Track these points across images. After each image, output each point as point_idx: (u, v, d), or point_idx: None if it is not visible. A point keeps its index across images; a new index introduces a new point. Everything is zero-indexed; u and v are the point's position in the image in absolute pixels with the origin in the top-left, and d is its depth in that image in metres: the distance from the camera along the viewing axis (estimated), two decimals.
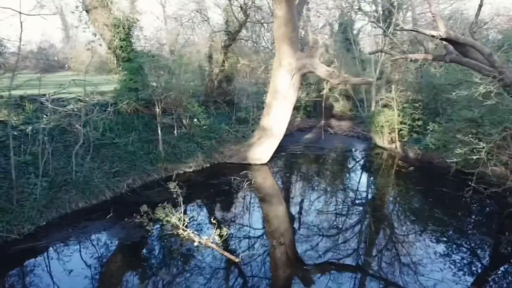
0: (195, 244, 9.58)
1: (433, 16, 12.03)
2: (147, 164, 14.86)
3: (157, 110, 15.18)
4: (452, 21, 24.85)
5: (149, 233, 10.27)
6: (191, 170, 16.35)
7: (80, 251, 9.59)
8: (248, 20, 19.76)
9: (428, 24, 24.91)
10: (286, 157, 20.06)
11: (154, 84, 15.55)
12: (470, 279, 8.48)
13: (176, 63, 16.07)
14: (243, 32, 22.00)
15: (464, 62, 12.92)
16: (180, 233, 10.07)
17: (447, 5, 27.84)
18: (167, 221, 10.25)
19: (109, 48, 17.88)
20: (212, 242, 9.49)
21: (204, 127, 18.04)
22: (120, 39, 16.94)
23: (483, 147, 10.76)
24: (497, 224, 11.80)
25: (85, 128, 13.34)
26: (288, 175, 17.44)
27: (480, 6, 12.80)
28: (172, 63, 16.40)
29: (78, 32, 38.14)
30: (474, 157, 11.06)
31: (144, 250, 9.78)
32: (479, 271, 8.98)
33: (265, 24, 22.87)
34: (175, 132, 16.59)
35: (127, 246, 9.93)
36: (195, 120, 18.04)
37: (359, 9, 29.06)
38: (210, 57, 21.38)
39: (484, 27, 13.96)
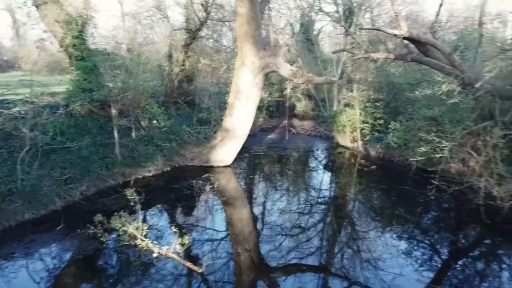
0: (155, 255, 8.98)
1: (395, 15, 12.09)
2: (102, 169, 13.97)
3: (113, 111, 14.33)
4: (410, 22, 25.45)
5: (104, 245, 9.56)
6: (150, 174, 15.61)
7: (27, 267, 8.74)
8: (210, 18, 19.17)
9: (386, 25, 25.39)
10: (250, 158, 19.71)
11: (110, 84, 14.65)
12: (430, 274, 8.57)
13: (134, 62, 15.23)
14: (204, 30, 21.37)
15: (425, 61, 13.08)
16: (138, 243, 9.44)
17: (403, 7, 28.61)
18: (124, 231, 9.57)
19: (61, 46, 16.71)
20: (173, 252, 8.94)
21: (164, 128, 17.32)
22: (72, 36, 15.85)
23: (446, 146, 10.88)
24: (456, 220, 12.03)
25: (33, 132, 12.33)
26: (251, 176, 17.07)
27: (441, 5, 13.00)
28: (129, 62, 15.54)
29: (27, 30, 35.88)
30: (438, 156, 11.16)
31: (98, 264, 9.03)
32: (438, 265, 9.09)
33: (227, 23, 22.32)
34: (133, 134, 15.76)
35: (79, 260, 9.14)
36: (155, 121, 17.28)
37: (320, 9, 29.27)
38: (170, 56, 20.58)
39: (441, 27, 14.23)
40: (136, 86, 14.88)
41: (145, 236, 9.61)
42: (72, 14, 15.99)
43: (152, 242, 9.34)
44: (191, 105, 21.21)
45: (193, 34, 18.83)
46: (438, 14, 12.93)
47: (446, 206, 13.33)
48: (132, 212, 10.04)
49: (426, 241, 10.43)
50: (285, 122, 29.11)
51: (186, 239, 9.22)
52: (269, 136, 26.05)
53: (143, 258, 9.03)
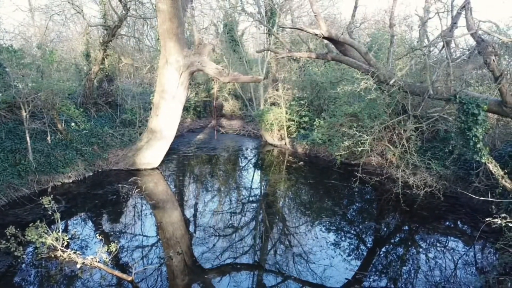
0: (78, 266, 8.31)
1: (315, 15, 12.53)
2: (14, 177, 12.67)
3: (24, 114, 13.03)
4: (328, 24, 26.77)
5: (19, 260, 8.63)
6: (70, 180, 14.50)
7: None
8: (129, 14, 18.28)
9: (307, 26, 26.48)
10: (178, 159, 19.24)
11: (19, 84, 13.30)
12: (357, 262, 9.00)
13: (46, 60, 13.99)
14: (125, 28, 20.38)
15: (344, 60, 13.78)
16: (59, 255, 8.68)
17: (321, 10, 30.02)
18: (42, 242, 8.72)
19: None
20: (98, 262, 8.33)
21: (84, 131, 16.20)
22: None
23: (366, 139, 11.55)
24: (378, 209, 12.84)
25: None
26: (181, 178, 16.65)
27: (355, 7, 13.79)
28: (40, 60, 14.25)
29: None
30: (360, 149, 11.81)
31: (13, 281, 8.11)
32: (364, 253, 9.58)
33: (148, 21, 21.48)
34: (48, 138, 14.48)
35: None
36: (73, 124, 16.10)
37: (243, 9, 29.55)
38: (87, 54, 19.29)
39: (357, 28, 15.15)
40: (49, 86, 13.68)
41: (67, 247, 8.86)
42: None
43: (74, 253, 8.64)
44: (113, 106, 20.12)
45: (111, 31, 17.81)
46: (353, 15, 13.72)
47: (369, 196, 14.19)
48: (51, 222, 9.21)
49: (353, 231, 11.01)
50: (213, 122, 28.99)
51: (113, 247, 8.67)
52: (198, 136, 25.68)
53: (66, 271, 8.29)
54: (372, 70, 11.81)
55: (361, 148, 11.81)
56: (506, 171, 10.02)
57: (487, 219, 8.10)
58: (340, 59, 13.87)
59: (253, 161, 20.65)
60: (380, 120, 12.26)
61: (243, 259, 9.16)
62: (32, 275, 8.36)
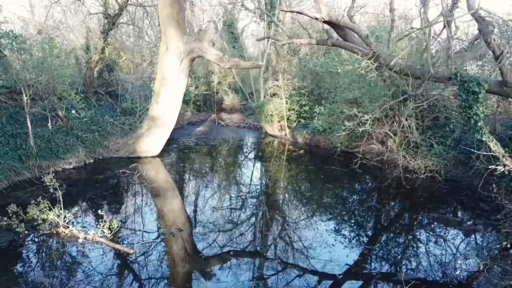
0: (80, 240, 8.32)
1: (316, 1, 12.56)
2: (15, 161, 12.70)
3: (25, 98, 13.02)
4: (328, 9, 26.80)
5: (21, 236, 8.62)
6: (71, 166, 14.51)
7: None
8: (129, 3, 18.30)
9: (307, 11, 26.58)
10: (179, 148, 19.26)
11: (18, 67, 13.31)
12: (357, 246, 8.81)
13: (46, 45, 13.99)
14: (125, 18, 20.41)
15: (344, 45, 13.78)
16: (60, 231, 8.69)
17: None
18: (43, 219, 8.74)
19: None
20: (100, 237, 8.35)
21: (85, 119, 16.21)
22: None
23: (368, 119, 11.57)
24: (378, 192, 12.85)
25: None
26: (182, 165, 16.63)
27: None
28: (40, 44, 14.26)
29: None
30: (361, 129, 11.82)
31: (15, 256, 8.10)
32: (364, 237, 9.40)
33: (148, 9, 21.45)
34: (49, 124, 14.48)
35: None
36: (73, 111, 16.11)
37: (242, 5, 29.62)
38: (87, 43, 19.31)
39: (358, 11, 15.13)
40: (49, 70, 13.69)
41: (68, 224, 8.87)
42: None
43: (76, 229, 8.66)
44: (113, 96, 20.14)
45: (112, 19, 17.83)
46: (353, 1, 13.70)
47: (369, 180, 14.24)
48: (52, 202, 9.17)
49: (353, 214, 10.94)
50: (213, 115, 29.10)
51: (115, 223, 8.71)
52: (198, 128, 25.73)
53: (68, 246, 8.30)
54: (373, 53, 11.81)
55: (363, 128, 11.81)
56: (507, 149, 10.04)
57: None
58: (340, 44, 13.86)
59: (253, 150, 20.68)
60: (380, 102, 12.27)
61: (242, 246, 8.99)
62: (34, 250, 8.36)
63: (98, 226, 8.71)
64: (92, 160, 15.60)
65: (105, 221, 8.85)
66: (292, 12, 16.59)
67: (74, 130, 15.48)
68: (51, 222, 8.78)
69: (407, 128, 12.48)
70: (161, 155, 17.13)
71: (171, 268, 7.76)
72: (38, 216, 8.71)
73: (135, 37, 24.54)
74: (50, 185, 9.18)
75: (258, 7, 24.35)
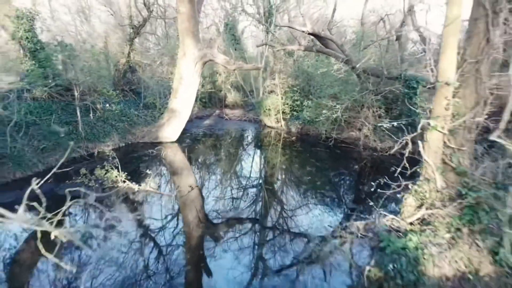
0: (136, 190, 12.07)
1: (302, 16, 16.32)
2: (71, 141, 16.43)
3: (76, 94, 16.78)
4: (320, 23, 30.58)
5: (93, 189, 12.35)
6: (109, 148, 18.20)
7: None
8: (152, 16, 22.06)
9: (301, 25, 30.28)
10: (191, 137, 23.00)
11: (72, 71, 17.06)
12: (333, 205, 12.64)
13: (90, 52, 17.73)
14: (147, 28, 24.16)
15: (325, 51, 17.55)
16: (119, 185, 12.42)
17: (315, 10, 33.89)
18: (108, 177, 12.48)
19: (13, 39, 18.59)
20: (149, 187, 12.11)
21: (116, 111, 19.94)
22: (24, 30, 17.90)
23: (339, 108, 15.33)
24: (347, 165, 16.56)
25: (7, 111, 14.59)
26: (196, 147, 20.37)
27: (334, 10, 17.53)
28: (85, 52, 18.00)
29: None
30: (334, 116, 15.58)
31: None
32: (338, 198, 13.24)
33: (166, 20, 25.25)
34: (91, 115, 18.24)
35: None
36: (107, 105, 19.83)
37: (243, 10, 33.24)
38: (117, 48, 23.08)
39: (336, 26, 18.71)
40: (93, 72, 17.43)
41: (124, 181, 12.62)
42: (23, 10, 18.02)
43: (131, 183, 12.42)
44: (136, 93, 23.88)
45: (136, 29, 21.58)
46: (332, 16, 17.48)
47: (343, 157, 17.98)
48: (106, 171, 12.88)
49: (328, 180, 14.71)
50: (218, 111, 32.78)
51: (157, 180, 12.46)
52: (205, 121, 29.43)
53: (128, 194, 12.06)
54: (345, 58, 15.57)
55: (336, 115, 15.59)
56: None
57: None
58: (322, 50, 17.62)
59: (254, 138, 24.40)
60: (350, 95, 16.06)
61: (244, 214, 12.36)
62: (102, 198, 12.10)
63: (145, 182, 12.46)
64: (123, 144, 19.33)
65: (149, 179, 12.59)
66: (284, 26, 20.31)
67: (109, 120, 19.21)
68: (113, 179, 12.52)
69: (376, 117, 16.19)
70: (178, 141, 20.85)
71: (197, 209, 11.57)
72: (103, 175, 12.45)
73: (155, 44, 28.29)
74: (108, 155, 12.93)
75: (258, 18, 27.93)
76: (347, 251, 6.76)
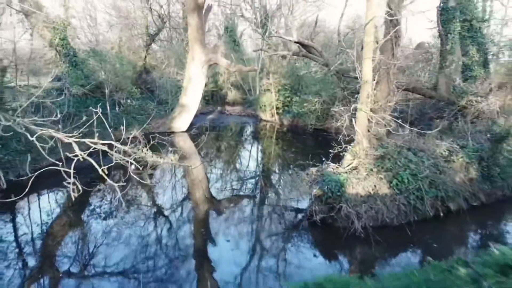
0: (161, 162, 16.07)
1: (288, 28, 20.33)
2: (103, 130, 20.45)
3: (107, 91, 20.80)
4: (310, 29, 34.55)
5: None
6: (131, 136, 22.22)
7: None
8: (165, 26, 26.09)
9: (297, 28, 34.24)
10: (198, 128, 27.03)
11: (103, 72, 21.10)
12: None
13: (116, 57, 21.77)
14: (161, 36, 28.23)
15: (309, 56, 21.48)
16: (147, 159, 16.43)
17: (309, 15, 37.92)
18: (135, 152, 16.50)
19: (51, 46, 22.62)
20: (172, 160, 16.13)
21: (136, 106, 23.96)
22: (60, 38, 21.93)
23: (316, 101, 19.34)
24: (326, 148, 20.53)
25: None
26: (203, 136, 24.22)
27: (316, 22, 21.51)
28: (112, 57, 22.05)
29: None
30: (313, 108, 19.58)
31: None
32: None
33: (178, 30, 29.34)
34: (116, 109, 22.25)
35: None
36: (128, 100, 23.86)
37: (242, 15, 37.23)
38: (134, 52, 27.12)
39: (317, 35, 22.70)
40: (120, 73, 21.46)
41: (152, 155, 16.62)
42: (58, 21, 22.05)
43: (156, 157, 16.43)
44: (150, 91, 27.92)
45: (152, 37, 25.59)
46: (314, 27, 21.45)
47: (324, 144, 21.98)
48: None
49: (310, 156, 18.69)
50: (219, 108, 36.84)
51: (176, 155, 16.46)
52: (209, 116, 33.45)
53: (154, 165, 16.06)
54: (325, 62, 19.57)
55: (314, 107, 19.59)
56: None
57: None
58: (307, 55, 21.58)
59: (252, 130, 28.43)
60: (327, 92, 20.08)
61: (245, 192, 16.46)
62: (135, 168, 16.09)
63: (168, 156, 16.47)
64: (142, 133, 23.19)
65: (170, 154, 16.59)
66: (275, 36, 24.35)
67: (131, 113, 23.23)
68: (141, 156, 16.51)
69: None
70: (187, 131, 24.86)
71: (206, 180, 15.63)
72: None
73: (160, 46, 32.33)
74: (137, 138, 16.95)
75: (255, 24, 31.94)
76: (307, 183, 10.79)
